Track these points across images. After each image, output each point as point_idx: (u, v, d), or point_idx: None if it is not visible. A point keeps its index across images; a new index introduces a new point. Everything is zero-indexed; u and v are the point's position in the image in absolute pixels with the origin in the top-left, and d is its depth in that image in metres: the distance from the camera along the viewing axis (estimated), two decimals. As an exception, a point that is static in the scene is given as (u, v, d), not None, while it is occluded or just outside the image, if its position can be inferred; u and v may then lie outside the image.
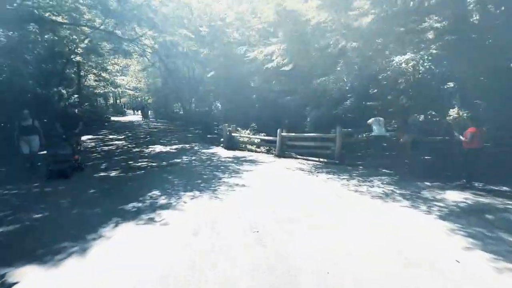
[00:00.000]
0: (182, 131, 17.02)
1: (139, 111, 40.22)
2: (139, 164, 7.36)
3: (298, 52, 9.72)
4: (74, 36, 13.93)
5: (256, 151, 10.02)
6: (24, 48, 11.17)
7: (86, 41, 17.26)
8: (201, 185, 5.39)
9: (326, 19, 8.05)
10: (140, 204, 4.29)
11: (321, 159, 7.86)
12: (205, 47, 18.68)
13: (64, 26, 11.06)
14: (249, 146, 10.50)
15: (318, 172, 6.64)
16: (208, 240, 3.08)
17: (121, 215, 3.83)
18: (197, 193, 4.86)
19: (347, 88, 9.99)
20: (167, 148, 10.16)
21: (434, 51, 7.24)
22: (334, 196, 4.71)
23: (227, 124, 11.21)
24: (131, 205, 4.25)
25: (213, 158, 8.49)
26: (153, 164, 7.37)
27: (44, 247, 2.89)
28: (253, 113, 15.03)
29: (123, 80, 34.86)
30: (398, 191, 4.98)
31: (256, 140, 10.67)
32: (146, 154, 8.89)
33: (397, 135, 7.63)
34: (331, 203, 4.37)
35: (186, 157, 8.53)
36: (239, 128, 11.81)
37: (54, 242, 3.00)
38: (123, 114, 39.91)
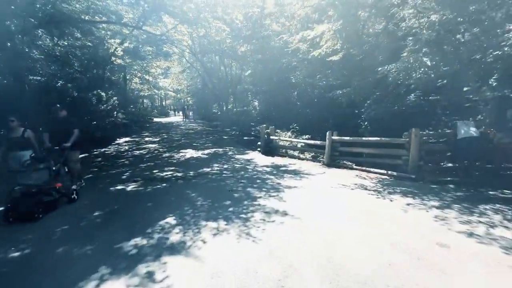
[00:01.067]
0: (218, 133, 16.18)
1: (180, 112, 41.82)
2: (164, 174, 6.38)
3: (352, 34, 7.83)
4: (112, 40, 14.00)
5: (299, 158, 8.43)
6: (70, 53, 11.42)
7: (125, 44, 17.58)
8: (230, 209, 4.06)
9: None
10: (144, 241, 3.11)
11: (389, 172, 5.93)
12: (241, 42, 17.62)
13: (99, 26, 10.87)
14: (290, 152, 8.96)
15: (389, 193, 4.81)
16: None
17: (113, 263, 2.67)
18: (222, 224, 3.53)
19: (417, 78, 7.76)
20: (199, 153, 9.17)
21: None
22: (434, 247, 2.91)
23: (264, 126, 9.83)
24: (133, 241, 3.10)
25: (247, 167, 7.16)
26: (179, 174, 6.32)
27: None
28: (294, 113, 13.39)
29: (165, 82, 36.13)
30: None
31: (299, 145, 9.07)
32: (175, 161, 7.97)
33: (488, 136, 5.37)
34: (438, 265, 2.61)
35: (217, 165, 7.35)
36: (278, 131, 10.33)
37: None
38: (167, 115, 41.55)
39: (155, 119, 32.11)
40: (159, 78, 35.77)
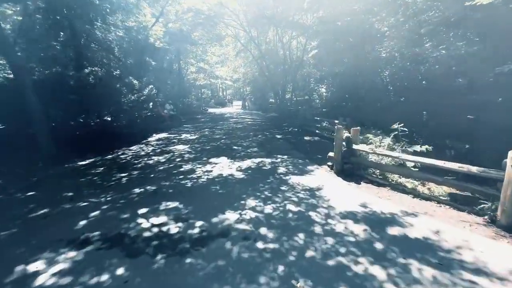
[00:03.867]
0: (271, 128, 12.77)
1: (232, 103, 40.23)
2: (149, 224, 3.34)
3: None
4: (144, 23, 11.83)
5: (420, 196, 4.25)
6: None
7: (169, 24, 15.49)
8: None
9: None
10: None
11: None
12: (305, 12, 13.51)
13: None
14: (395, 177, 4.87)
15: None
16: None
17: None
18: None
19: None
20: (233, 168, 5.94)
21: None
22: None
23: (340, 126, 5.95)
24: None
25: (314, 214, 3.54)
26: (172, 229, 3.18)
27: None
28: (384, 104, 8.88)
29: (222, 71, 34.41)
30: None
31: (413, 166, 4.81)
32: (190, 184, 4.91)
33: None
34: None
35: (254, 202, 3.97)
36: (371, 136, 6.21)
37: None
38: (223, 105, 40.33)
39: (210, 110, 30.77)
40: (215, 66, 34.44)
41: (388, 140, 5.55)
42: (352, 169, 5.35)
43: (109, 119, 9.61)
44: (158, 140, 9.87)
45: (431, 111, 7.30)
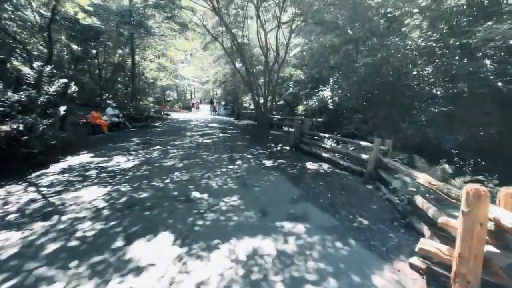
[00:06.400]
0: (252, 145, 9.12)
1: (199, 107, 35.54)
2: None
3: None
4: None
5: None
6: None
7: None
8: None
9: None
10: None
11: None
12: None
13: None
14: None
15: None
16: None
17: None
18: None
19: None
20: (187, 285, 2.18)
21: None
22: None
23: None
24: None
25: None
26: None
27: None
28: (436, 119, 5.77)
29: (187, 70, 30.00)
30: None
31: None
32: None
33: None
34: None
35: None
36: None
37: None
38: (190, 109, 35.76)
39: (173, 115, 26.17)
40: (181, 66, 29.96)
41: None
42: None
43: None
44: (61, 173, 5.63)
45: None
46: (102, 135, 10.79)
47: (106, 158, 6.81)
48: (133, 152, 7.60)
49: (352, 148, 6.60)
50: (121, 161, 6.53)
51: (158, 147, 8.47)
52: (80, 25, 10.42)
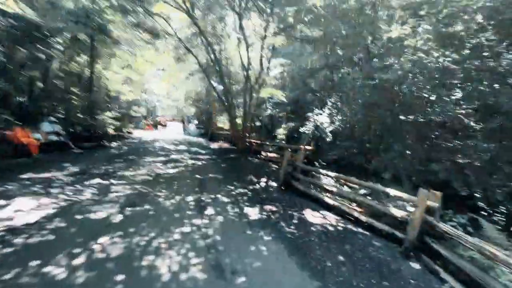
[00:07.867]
0: (232, 183, 7.08)
1: (166, 126, 32.78)
2: None
3: None
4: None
5: None
6: None
7: None
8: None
9: None
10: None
11: None
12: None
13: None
14: None
15: None
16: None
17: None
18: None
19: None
20: None
21: None
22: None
23: None
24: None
25: None
26: None
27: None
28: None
29: (157, 85, 27.60)
30: None
31: None
32: None
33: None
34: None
35: None
36: None
37: None
38: (157, 127, 32.81)
39: (137, 133, 23.28)
40: (151, 80, 27.55)
41: None
42: None
43: None
44: None
45: None
46: (27, 159, 8.04)
47: (1, 202, 4.33)
48: (55, 191, 5.15)
49: (363, 192, 4.93)
50: (23, 208, 4.11)
51: (98, 180, 6.07)
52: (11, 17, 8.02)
